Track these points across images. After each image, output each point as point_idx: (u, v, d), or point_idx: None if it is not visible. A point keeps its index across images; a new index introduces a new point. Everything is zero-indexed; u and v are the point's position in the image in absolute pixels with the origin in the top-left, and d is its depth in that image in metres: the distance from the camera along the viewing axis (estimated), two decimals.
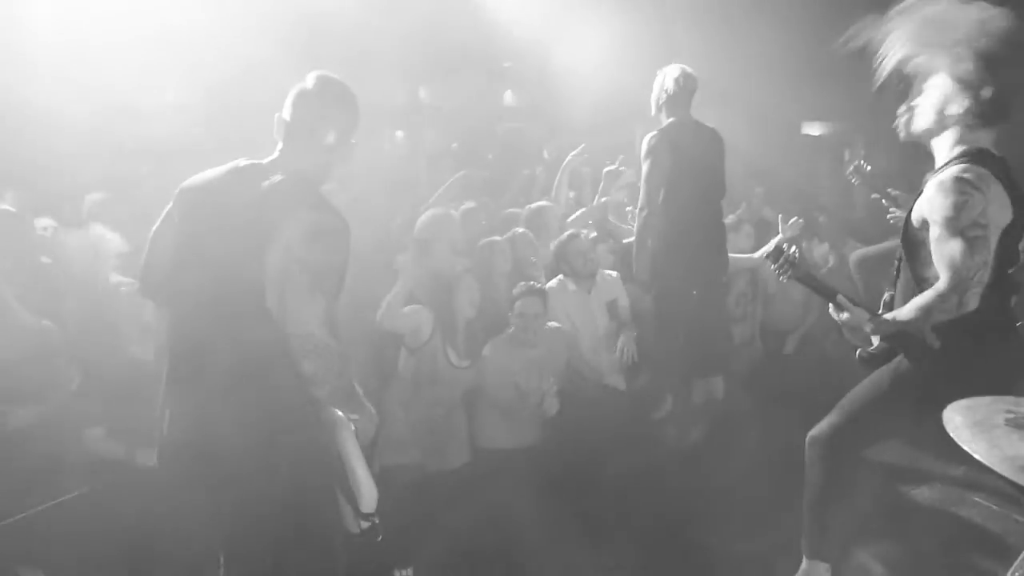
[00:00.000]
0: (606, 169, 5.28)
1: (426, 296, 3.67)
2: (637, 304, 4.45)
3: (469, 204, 4.93)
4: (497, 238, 4.37)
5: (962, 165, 2.30)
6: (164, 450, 2.11)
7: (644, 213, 4.06)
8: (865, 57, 2.48)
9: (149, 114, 5.85)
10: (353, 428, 2.20)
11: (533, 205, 5.07)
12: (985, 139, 2.36)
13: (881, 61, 2.42)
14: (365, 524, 2.21)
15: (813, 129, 9.22)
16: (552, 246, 4.37)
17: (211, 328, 1.98)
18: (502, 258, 4.22)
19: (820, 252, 5.21)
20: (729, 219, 4.77)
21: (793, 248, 2.64)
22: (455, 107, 9.22)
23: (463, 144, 8.55)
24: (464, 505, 3.32)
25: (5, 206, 4.50)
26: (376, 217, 4.79)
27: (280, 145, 2.14)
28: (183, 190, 2.14)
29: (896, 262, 2.64)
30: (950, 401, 1.99)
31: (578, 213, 4.92)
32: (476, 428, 3.72)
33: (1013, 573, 1.75)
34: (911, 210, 2.45)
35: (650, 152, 3.97)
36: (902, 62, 2.41)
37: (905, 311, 2.33)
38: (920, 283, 2.43)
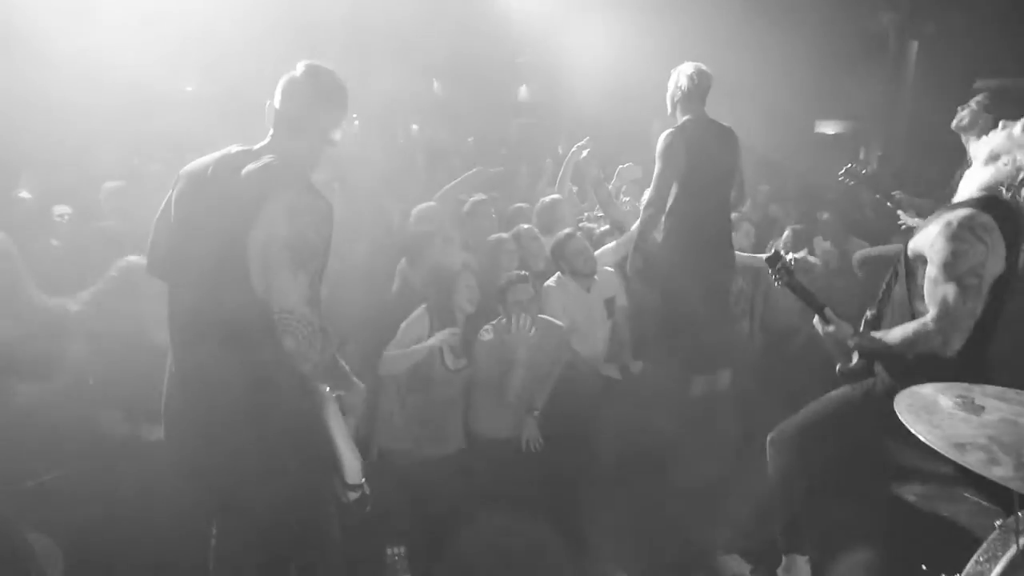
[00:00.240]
0: (620, 167, 5.26)
1: (425, 293, 3.67)
2: (636, 299, 4.44)
3: (479, 196, 4.90)
4: (504, 235, 4.37)
5: (971, 212, 2.31)
6: (165, 417, 2.24)
7: (650, 210, 4.05)
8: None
9: (167, 107, 5.91)
10: (337, 404, 2.29)
11: (546, 199, 5.03)
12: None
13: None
14: (353, 495, 2.29)
15: (828, 128, 9.17)
16: (550, 245, 4.32)
17: (201, 303, 2.09)
18: (508, 257, 4.21)
19: (822, 249, 5.18)
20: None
21: (790, 256, 2.69)
22: (469, 102, 9.24)
23: (479, 139, 8.57)
24: (457, 487, 3.37)
25: (23, 193, 4.58)
26: (376, 214, 4.80)
27: (271, 131, 2.22)
28: (181, 175, 2.24)
29: (884, 285, 2.69)
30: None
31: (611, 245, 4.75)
32: (471, 415, 3.73)
33: (978, 558, 1.77)
34: (910, 240, 2.48)
35: (666, 150, 3.96)
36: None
37: (891, 336, 2.39)
38: (912, 313, 2.45)
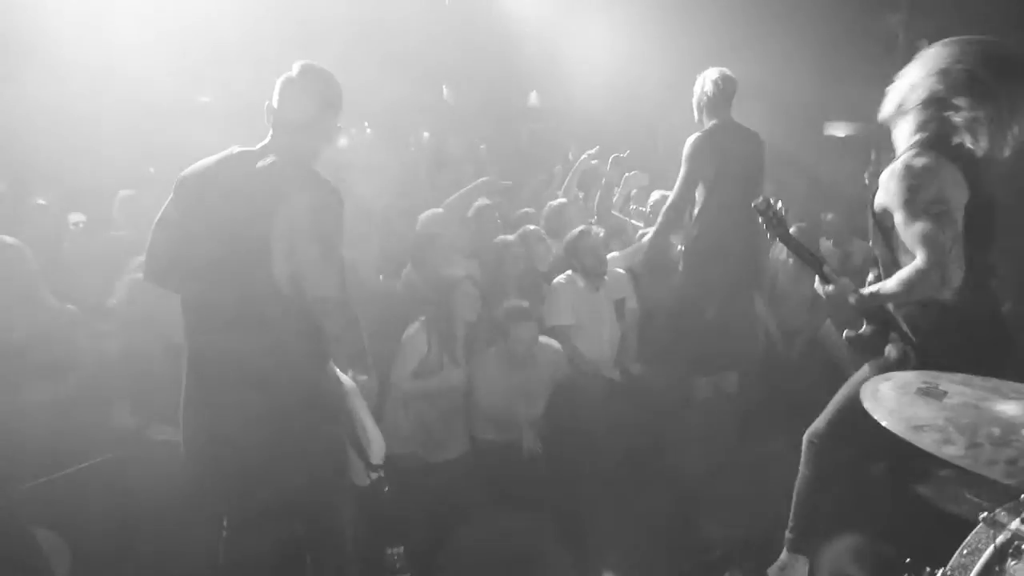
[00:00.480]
0: (627, 175, 5.30)
1: (427, 300, 3.72)
2: (647, 302, 4.46)
3: (483, 201, 4.92)
4: (510, 238, 4.40)
5: (912, 151, 2.33)
6: (185, 422, 2.27)
7: (671, 213, 4.09)
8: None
9: (181, 117, 6.01)
10: (358, 389, 2.39)
11: (554, 203, 5.06)
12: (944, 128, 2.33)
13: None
14: (374, 475, 2.37)
15: (838, 130, 9.10)
16: (563, 242, 4.36)
17: (222, 299, 2.16)
18: (513, 262, 4.24)
19: (824, 248, 5.17)
20: None
21: (780, 204, 2.63)
22: (479, 108, 9.28)
23: (491, 146, 8.59)
24: (462, 490, 3.42)
25: (40, 200, 4.69)
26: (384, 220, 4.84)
27: (270, 131, 2.28)
28: (182, 179, 2.27)
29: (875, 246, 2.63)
30: None
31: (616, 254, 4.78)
32: (473, 420, 3.78)
33: (961, 551, 1.78)
34: (873, 199, 2.45)
35: (693, 153, 3.99)
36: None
37: (888, 284, 2.34)
38: (898, 266, 2.41)
